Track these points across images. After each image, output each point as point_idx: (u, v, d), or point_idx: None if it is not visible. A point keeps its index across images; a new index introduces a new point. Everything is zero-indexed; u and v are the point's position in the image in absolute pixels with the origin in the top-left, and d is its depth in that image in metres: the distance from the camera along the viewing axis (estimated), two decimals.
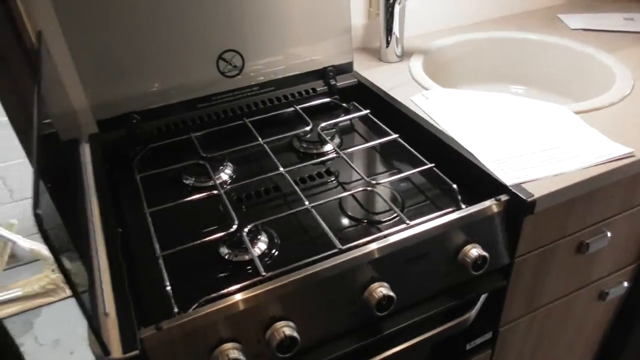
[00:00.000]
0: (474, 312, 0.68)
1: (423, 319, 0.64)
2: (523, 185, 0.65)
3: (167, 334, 0.51)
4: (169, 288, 0.56)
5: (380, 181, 0.72)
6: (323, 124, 0.85)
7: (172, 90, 0.84)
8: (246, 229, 0.64)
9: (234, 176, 0.79)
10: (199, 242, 0.62)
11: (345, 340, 0.61)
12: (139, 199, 0.71)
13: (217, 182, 0.75)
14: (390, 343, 0.64)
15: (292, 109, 0.91)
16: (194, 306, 0.54)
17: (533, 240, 0.70)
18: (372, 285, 0.59)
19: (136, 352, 0.48)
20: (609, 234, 0.78)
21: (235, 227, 0.64)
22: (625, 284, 0.90)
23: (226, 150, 0.81)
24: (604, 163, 0.68)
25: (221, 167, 0.79)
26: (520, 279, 0.74)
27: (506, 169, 0.68)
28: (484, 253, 0.63)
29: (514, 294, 0.75)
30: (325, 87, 0.95)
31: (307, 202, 0.68)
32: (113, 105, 0.82)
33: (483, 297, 0.69)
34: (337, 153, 0.79)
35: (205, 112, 0.88)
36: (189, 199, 0.72)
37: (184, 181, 0.78)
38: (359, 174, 0.74)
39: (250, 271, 0.61)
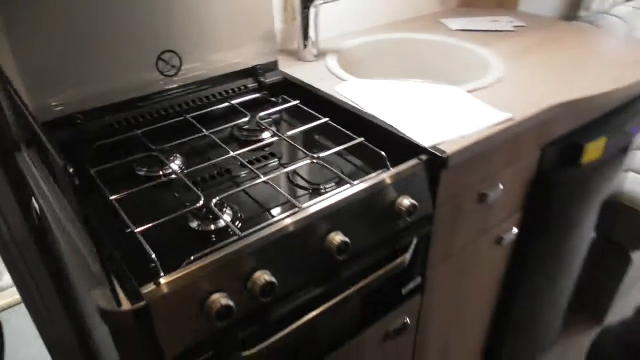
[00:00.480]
0: (408, 254, 0.82)
1: (372, 263, 0.76)
2: (437, 146, 0.81)
3: (164, 289, 0.57)
4: (154, 256, 0.61)
5: (321, 155, 0.83)
6: (260, 114, 0.95)
7: (114, 90, 0.89)
8: (214, 201, 0.71)
9: (185, 165, 0.85)
10: (171, 216, 0.69)
11: (314, 285, 0.71)
12: (100, 191, 0.75)
13: (173, 168, 0.81)
14: (348, 285, 0.75)
15: (227, 104, 1.00)
16: (184, 264, 0.60)
17: (448, 191, 0.86)
18: (330, 234, 0.70)
19: (144, 302, 0.54)
20: (501, 186, 0.97)
21: (202, 201, 0.71)
22: (515, 229, 1.11)
23: (174, 142, 0.87)
24: (493, 126, 0.86)
25: (171, 158, 0.85)
26: (441, 226, 0.89)
27: (422, 134, 0.83)
28: (414, 201, 0.77)
29: (436, 239, 0.90)
30: (256, 84, 1.04)
31: (262, 177, 0.77)
32: (55, 107, 0.84)
33: (414, 241, 0.83)
34: (277, 137, 0.90)
35: (147, 110, 0.93)
36: (150, 184, 0.77)
37: (138, 173, 0.83)
38: (301, 150, 0.85)
39: (218, 238, 0.68)
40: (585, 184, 1.19)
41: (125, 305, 0.53)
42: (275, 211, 0.73)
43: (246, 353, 0.65)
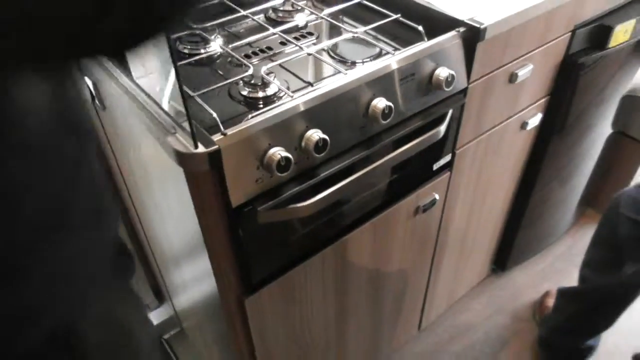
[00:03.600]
0: (443, 126, 0.86)
1: (412, 133, 0.81)
2: (474, 18, 0.82)
3: (231, 139, 0.62)
4: (215, 115, 0.66)
5: (359, 30, 0.85)
6: None
7: None
8: (264, 69, 0.74)
9: (227, 43, 0.87)
10: (224, 82, 0.72)
11: (361, 147, 0.76)
12: None
13: (217, 45, 0.83)
14: (390, 150, 0.80)
15: None
16: (245, 119, 0.65)
17: (482, 67, 0.89)
18: (374, 100, 0.74)
19: (216, 147, 0.59)
20: (531, 66, 0.99)
21: (251, 70, 0.75)
22: (540, 115, 1.15)
23: (214, 22, 0.89)
24: None
25: (213, 37, 0.87)
26: (473, 102, 0.93)
27: (457, 8, 0.84)
28: (452, 71, 0.80)
29: (468, 116, 0.94)
30: None
31: (305, 49, 0.79)
32: None
33: (449, 114, 0.87)
34: (315, 15, 0.91)
35: None
36: (194, 59, 0.80)
37: (182, 50, 0.85)
38: (340, 27, 0.87)
39: (266, 104, 0.72)
40: (609, 70, 1.20)
41: (201, 148, 0.58)
42: (321, 79, 0.76)
43: (301, 204, 0.71)
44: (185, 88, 0.70)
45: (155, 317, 1.46)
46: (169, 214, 0.82)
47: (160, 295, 1.47)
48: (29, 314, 0.38)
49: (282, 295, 0.86)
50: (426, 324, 1.45)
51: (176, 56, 0.63)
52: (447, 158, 0.99)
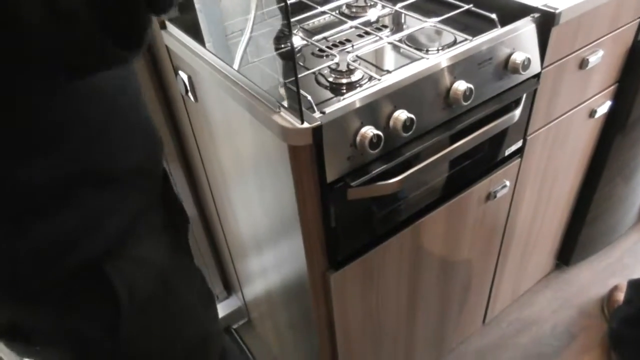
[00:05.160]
0: (519, 110, 0.88)
1: (490, 113, 0.84)
2: (548, 4, 0.85)
3: (328, 117, 0.67)
4: (309, 98, 0.71)
5: (434, 19, 0.89)
6: None
7: None
8: (349, 56, 0.79)
9: (309, 35, 0.92)
10: (313, 70, 0.78)
11: (441, 129, 0.80)
12: None
13: (300, 38, 0.89)
14: (468, 132, 0.83)
15: None
16: (341, 99, 0.70)
17: (555, 52, 0.91)
18: (455, 83, 0.78)
19: (319, 123, 0.64)
20: (601, 52, 1.00)
21: (337, 59, 0.80)
22: (609, 102, 1.15)
23: (294, 18, 0.95)
24: None
25: (295, 31, 0.93)
26: (544, 88, 0.95)
27: None
28: (528, 55, 0.83)
29: (539, 101, 0.96)
30: None
31: (384, 38, 0.84)
32: None
33: (524, 98, 0.89)
34: (388, 9, 0.96)
35: None
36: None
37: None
38: (414, 18, 0.91)
39: (350, 89, 0.76)
40: None
41: (306, 124, 0.64)
42: (404, 63, 0.81)
43: (388, 182, 0.75)
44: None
45: (224, 308, 1.52)
46: (260, 197, 0.88)
47: (229, 286, 1.54)
48: (64, 245, 0.45)
49: (362, 274, 0.90)
50: (490, 318, 1.45)
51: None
52: (519, 144, 1.01)
